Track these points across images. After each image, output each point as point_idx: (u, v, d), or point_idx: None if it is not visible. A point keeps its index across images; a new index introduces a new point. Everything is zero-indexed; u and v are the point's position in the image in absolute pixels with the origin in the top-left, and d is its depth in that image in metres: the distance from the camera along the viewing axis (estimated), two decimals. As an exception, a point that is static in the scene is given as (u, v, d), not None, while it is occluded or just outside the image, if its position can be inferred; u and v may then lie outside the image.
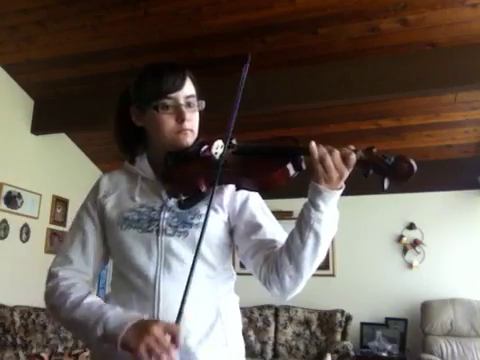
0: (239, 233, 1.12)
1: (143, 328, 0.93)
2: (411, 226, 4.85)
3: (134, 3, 3.19)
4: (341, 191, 0.97)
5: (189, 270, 0.94)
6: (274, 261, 1.03)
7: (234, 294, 1.19)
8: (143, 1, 3.17)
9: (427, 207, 4.80)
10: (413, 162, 0.88)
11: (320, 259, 1.01)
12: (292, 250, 1.00)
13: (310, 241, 0.97)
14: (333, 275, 5.04)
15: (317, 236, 0.97)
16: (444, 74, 3.23)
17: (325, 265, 5.06)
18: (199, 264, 1.07)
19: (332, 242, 5.05)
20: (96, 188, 1.22)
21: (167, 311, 1.03)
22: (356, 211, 4.91)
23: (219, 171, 0.98)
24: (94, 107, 4.02)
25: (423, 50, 3.31)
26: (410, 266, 4.79)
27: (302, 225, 0.98)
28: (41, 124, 4.41)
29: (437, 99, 3.81)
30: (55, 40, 3.63)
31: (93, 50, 3.67)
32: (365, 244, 4.92)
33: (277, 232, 1.11)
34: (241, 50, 3.52)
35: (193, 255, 1.06)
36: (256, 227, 1.11)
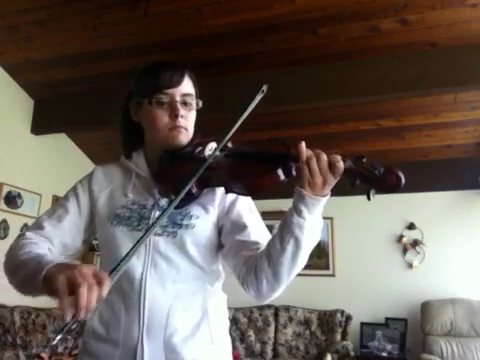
0: (225, 231, 1.12)
1: (71, 265, 0.87)
2: (411, 226, 4.85)
3: (134, 3, 3.19)
4: (326, 199, 0.95)
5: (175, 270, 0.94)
6: (254, 263, 1.02)
7: (222, 293, 1.19)
8: (143, 1, 3.17)
9: (427, 207, 4.80)
10: (402, 175, 0.87)
11: (300, 266, 0.99)
12: (272, 254, 0.98)
13: (290, 247, 0.95)
14: (333, 275, 5.04)
15: (297, 242, 0.95)
16: (444, 74, 3.23)
17: (325, 265, 5.07)
18: (187, 265, 1.08)
19: (332, 242, 5.14)
20: (90, 177, 1.22)
21: (152, 310, 1.04)
22: (356, 211, 4.91)
23: (201, 170, 0.98)
24: (94, 107, 4.03)
25: (423, 50, 3.30)
26: (410, 266, 4.79)
27: (283, 230, 0.97)
28: (41, 124, 4.41)
29: (437, 99, 3.80)
30: (55, 40, 3.63)
31: (93, 50, 3.67)
32: (365, 244, 4.92)
33: (262, 234, 1.10)
34: (241, 50, 3.53)
35: (181, 256, 1.07)
36: (241, 227, 1.10)
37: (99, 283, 0.80)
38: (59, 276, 0.83)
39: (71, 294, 0.79)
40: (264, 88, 1.07)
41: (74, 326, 0.78)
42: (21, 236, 1.12)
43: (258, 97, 1.06)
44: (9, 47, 3.80)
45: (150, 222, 1.09)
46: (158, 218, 0.94)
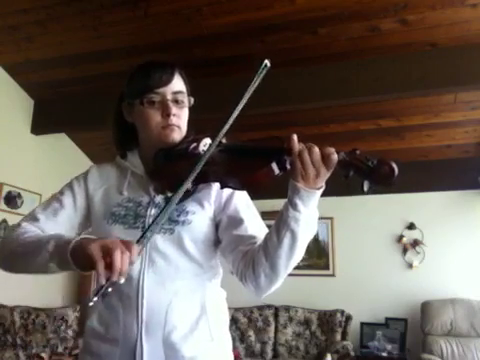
0: (222, 227, 1.13)
1: (97, 238, 0.94)
2: (411, 226, 4.85)
3: (134, 3, 3.19)
4: (320, 192, 0.96)
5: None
6: (251, 257, 1.03)
7: (221, 290, 1.19)
8: (143, 1, 3.17)
9: (427, 207, 4.80)
10: (395, 165, 0.87)
11: (297, 259, 1.00)
12: (269, 248, 0.99)
13: (286, 240, 0.96)
14: (333, 275, 5.04)
15: (294, 236, 0.96)
16: (444, 74, 3.22)
17: (325, 265, 5.07)
18: (185, 262, 1.08)
19: (332, 242, 5.14)
20: (85, 175, 1.23)
21: (151, 308, 1.04)
22: (356, 211, 4.92)
23: (198, 167, 0.98)
24: (94, 107, 4.02)
25: (423, 50, 3.30)
26: (410, 266, 4.79)
27: (280, 223, 0.98)
28: (41, 124, 4.41)
29: (437, 99, 3.80)
30: (55, 40, 3.63)
31: (93, 50, 3.67)
32: (365, 244, 4.92)
33: (258, 229, 1.11)
34: (241, 50, 3.52)
35: (179, 252, 1.07)
36: (238, 222, 1.11)
37: (128, 248, 0.87)
38: (91, 244, 0.88)
39: (105, 259, 0.85)
40: (267, 62, 1.04)
41: (109, 289, 0.85)
42: (17, 226, 1.12)
43: (262, 74, 1.04)
44: (9, 47, 3.80)
45: (146, 220, 1.10)
46: (158, 215, 0.96)
